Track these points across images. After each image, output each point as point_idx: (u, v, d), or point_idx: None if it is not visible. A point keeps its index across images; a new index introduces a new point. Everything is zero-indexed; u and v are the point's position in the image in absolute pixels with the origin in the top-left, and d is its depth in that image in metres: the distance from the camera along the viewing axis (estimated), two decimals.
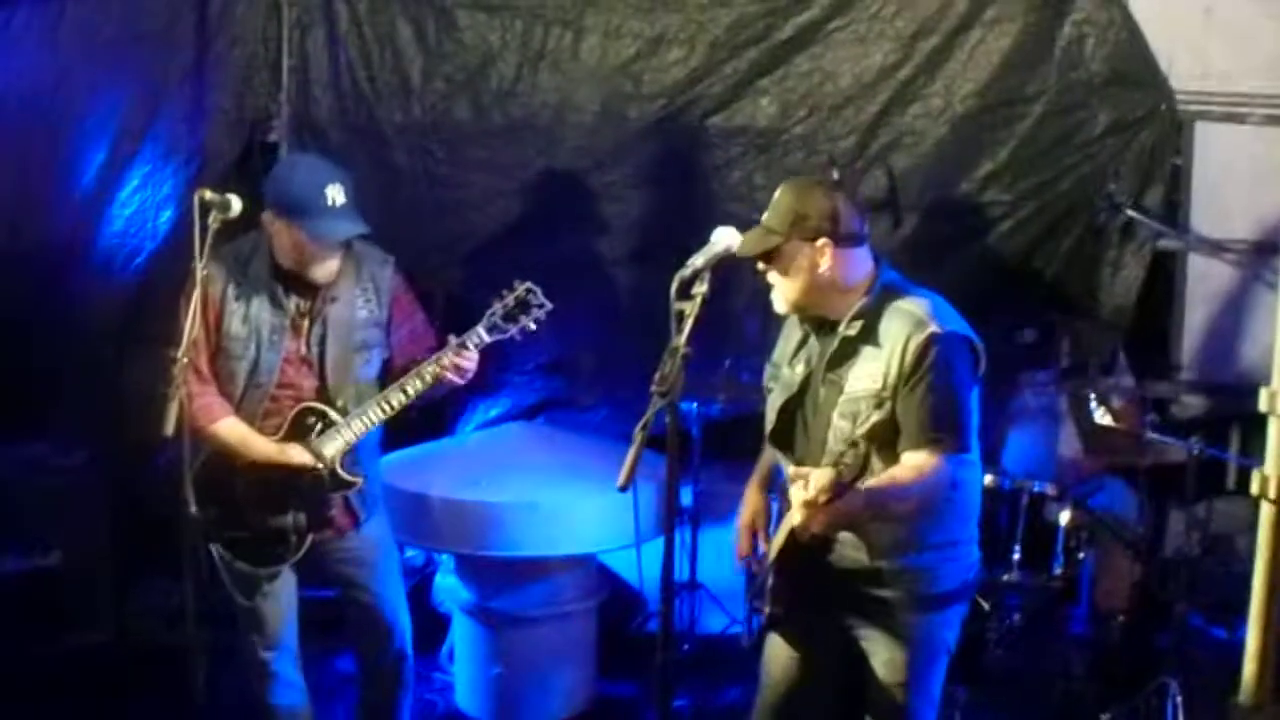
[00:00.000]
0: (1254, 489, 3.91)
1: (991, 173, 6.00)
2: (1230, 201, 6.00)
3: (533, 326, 4.53)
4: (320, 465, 4.46)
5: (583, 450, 5.85)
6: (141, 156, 6.24)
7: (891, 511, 3.77)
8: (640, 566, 4.40)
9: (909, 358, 3.74)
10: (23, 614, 5.87)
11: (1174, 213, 6.00)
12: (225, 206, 4.19)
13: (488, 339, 4.49)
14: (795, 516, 3.59)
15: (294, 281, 4.50)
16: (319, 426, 4.50)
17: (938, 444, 3.75)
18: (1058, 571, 5.34)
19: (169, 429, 4.00)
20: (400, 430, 5.21)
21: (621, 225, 6.21)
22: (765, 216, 3.93)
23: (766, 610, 4.06)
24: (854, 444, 3.49)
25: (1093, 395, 5.45)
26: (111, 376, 6.24)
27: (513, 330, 4.51)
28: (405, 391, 4.49)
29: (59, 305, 6.28)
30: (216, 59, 6.19)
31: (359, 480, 4.56)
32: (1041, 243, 6.00)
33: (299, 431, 4.51)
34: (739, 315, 5.83)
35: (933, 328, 3.76)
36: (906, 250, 5.91)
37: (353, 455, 4.56)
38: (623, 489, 3.61)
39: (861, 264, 3.91)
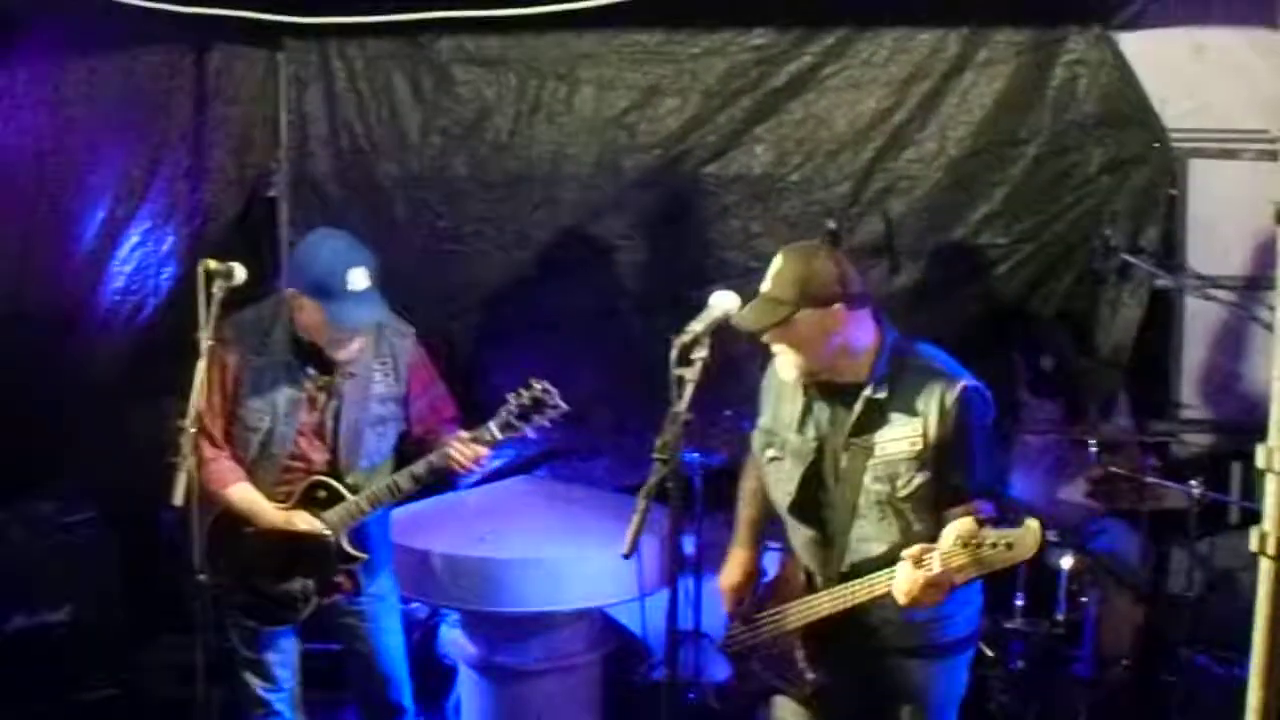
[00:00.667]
0: (1253, 545, 3.90)
1: (987, 216, 6.02)
2: (1226, 238, 5.98)
3: (546, 425, 4.52)
4: (328, 534, 4.48)
5: (585, 504, 5.85)
6: (142, 214, 6.33)
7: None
8: (644, 620, 4.40)
9: (948, 415, 3.72)
10: (32, 670, 5.89)
11: (1171, 248, 6.01)
12: (229, 275, 4.23)
13: (500, 436, 4.50)
14: (909, 594, 3.56)
15: (314, 354, 4.51)
16: (329, 500, 4.53)
17: (989, 498, 3.75)
18: (1061, 617, 5.34)
19: (177, 499, 4.02)
20: None
21: (619, 275, 6.24)
22: (768, 286, 3.85)
23: (808, 677, 3.97)
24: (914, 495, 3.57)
25: (1093, 441, 5.45)
26: (117, 432, 6.27)
27: (526, 429, 4.51)
28: (415, 476, 4.52)
29: (63, 362, 6.35)
30: (215, 117, 6.28)
31: (364, 556, 4.59)
32: (1039, 284, 6.01)
33: (309, 502, 4.54)
34: (739, 364, 5.82)
35: (963, 381, 3.76)
36: (905, 296, 5.95)
37: (361, 529, 4.59)
38: (627, 556, 3.61)
39: (869, 325, 3.89)
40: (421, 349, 4.74)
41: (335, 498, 4.53)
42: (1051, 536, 5.30)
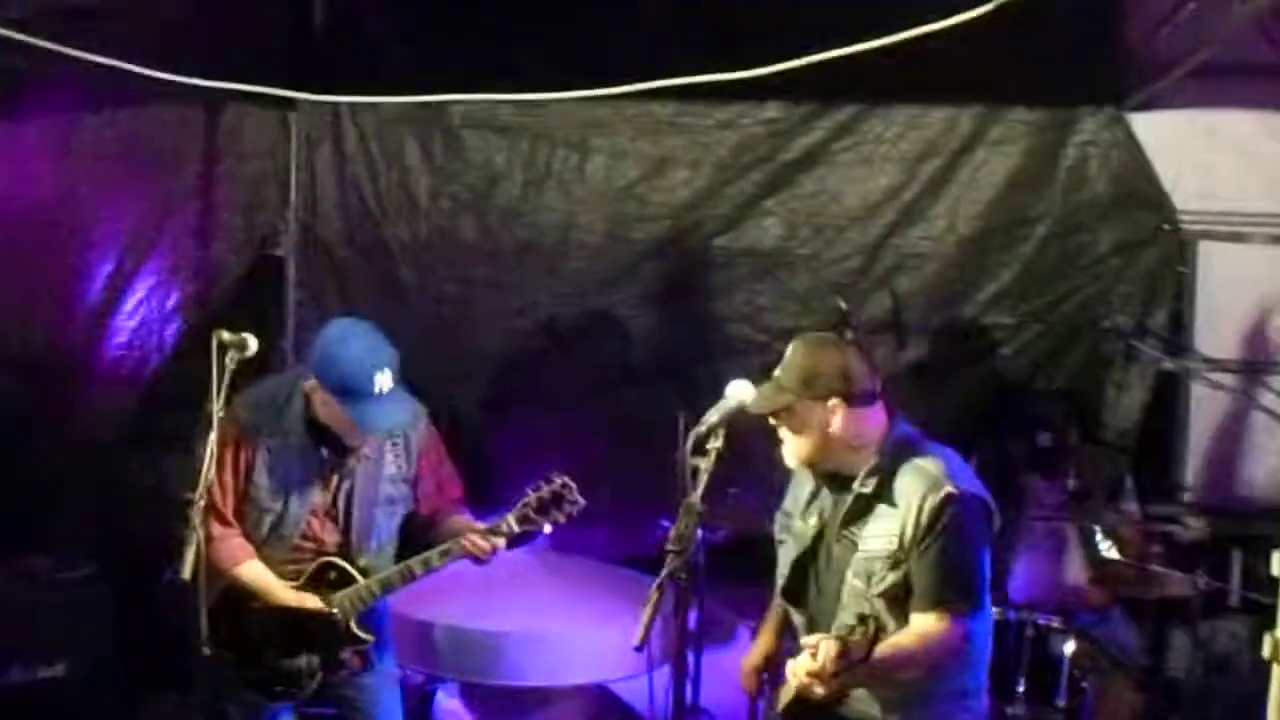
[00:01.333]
0: (1265, 652, 3.91)
1: (996, 295, 6.05)
2: (1233, 322, 5.99)
3: (563, 521, 4.44)
4: (336, 615, 4.45)
5: (587, 577, 5.84)
6: (148, 270, 6.31)
7: (898, 678, 3.75)
8: (651, 697, 4.37)
9: (924, 518, 3.70)
10: None
11: (1179, 331, 6.01)
12: (243, 346, 4.15)
13: (517, 529, 4.44)
14: (798, 683, 3.56)
15: (329, 437, 4.45)
16: (339, 581, 4.51)
17: (947, 606, 3.70)
18: (1061, 704, 5.31)
19: (186, 573, 3.98)
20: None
21: (626, 345, 6.25)
22: (778, 373, 3.87)
23: None
24: (863, 619, 3.47)
25: (1099, 528, 5.43)
26: (116, 488, 6.25)
27: (544, 523, 4.44)
28: (428, 564, 4.48)
29: (63, 416, 6.32)
30: (225, 175, 6.28)
31: (371, 638, 4.55)
32: (1045, 364, 6.02)
33: (319, 583, 4.49)
34: (745, 442, 5.81)
35: (948, 488, 3.72)
36: (911, 373, 5.95)
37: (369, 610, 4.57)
38: (639, 648, 3.58)
39: (874, 421, 3.87)
40: (433, 430, 4.70)
41: (345, 579, 4.49)
42: (1055, 623, 5.29)
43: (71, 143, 6.24)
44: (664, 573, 3.66)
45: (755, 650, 4.31)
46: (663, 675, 3.94)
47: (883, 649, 3.61)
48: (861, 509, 3.82)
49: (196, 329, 6.20)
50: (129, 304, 6.34)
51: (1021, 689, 5.28)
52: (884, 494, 3.79)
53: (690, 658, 5.51)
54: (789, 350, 3.90)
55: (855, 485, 3.82)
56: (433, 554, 4.46)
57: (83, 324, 6.36)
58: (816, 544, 3.94)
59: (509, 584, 5.70)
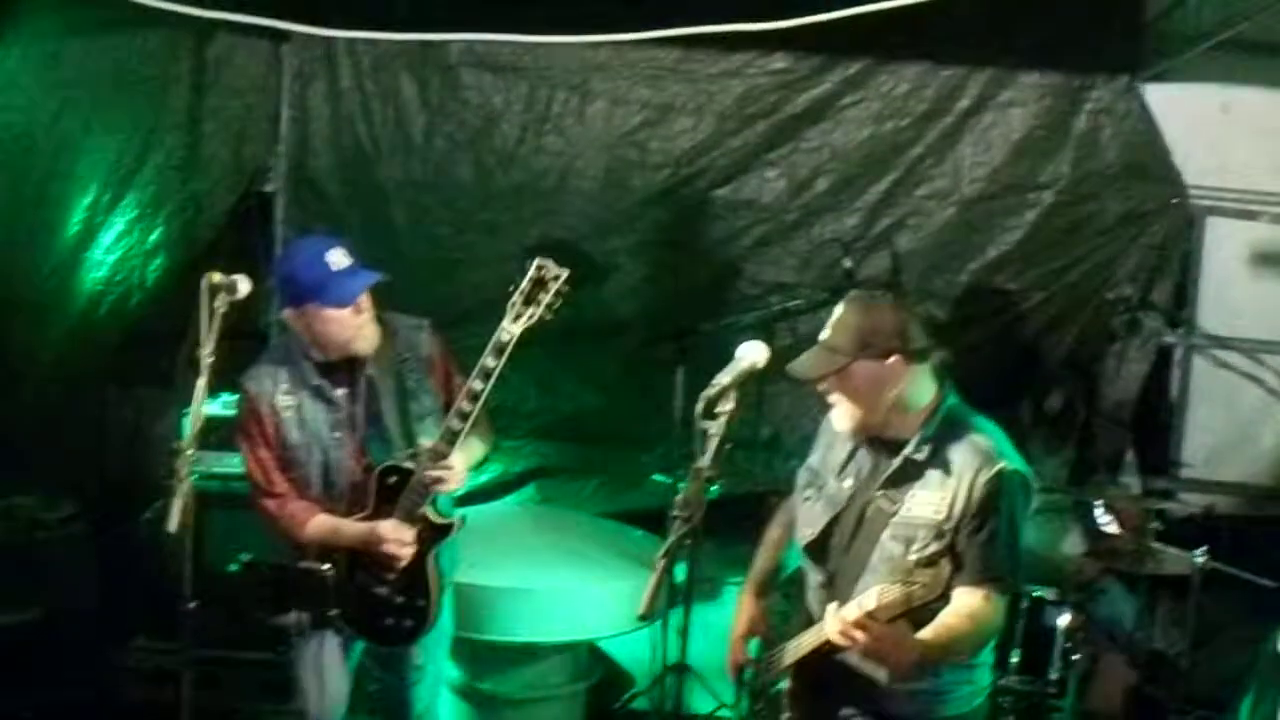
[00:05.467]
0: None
1: (999, 259, 5.96)
2: (1238, 298, 5.97)
3: (558, 303, 4.21)
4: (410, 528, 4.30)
5: (577, 531, 5.76)
6: (128, 202, 6.10)
7: (944, 661, 3.64)
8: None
9: (977, 493, 3.58)
10: (3, 668, 5.72)
11: (1182, 305, 5.95)
12: (233, 289, 4.03)
13: (517, 330, 4.22)
14: (843, 630, 3.42)
15: (336, 373, 4.34)
16: (400, 483, 4.32)
17: (997, 585, 3.61)
18: (1054, 675, 5.26)
19: (172, 525, 3.85)
20: None
21: (621, 294, 6.13)
22: (827, 335, 3.70)
23: (782, 716, 3.91)
24: (925, 563, 3.39)
25: (1098, 503, 5.37)
26: (97, 426, 6.12)
27: (538, 312, 4.22)
28: (461, 413, 4.25)
29: (44, 352, 6.16)
30: (213, 107, 6.07)
31: (455, 520, 4.41)
32: (1047, 333, 5.93)
33: (383, 499, 4.33)
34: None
35: (1002, 464, 3.61)
36: None
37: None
38: (644, 619, 3.47)
39: (928, 383, 3.74)
40: (439, 337, 4.55)
41: (405, 476, 4.32)
42: (1050, 595, 5.24)
43: (58, 71, 6.02)
44: (671, 539, 3.52)
45: (741, 617, 4.16)
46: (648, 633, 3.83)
47: (934, 632, 3.52)
48: (909, 473, 3.68)
49: (181, 265, 6.06)
50: (109, 238, 6.14)
51: (1015, 660, 5.24)
52: (936, 462, 3.66)
53: (680, 614, 5.48)
54: (836, 312, 3.72)
55: (908, 451, 3.68)
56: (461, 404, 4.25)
57: (64, 256, 6.16)
58: (849, 506, 3.81)
59: (499, 539, 5.61)
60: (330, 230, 4.38)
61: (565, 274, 4.18)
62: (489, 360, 4.20)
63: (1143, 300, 5.84)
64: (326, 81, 6.05)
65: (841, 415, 3.75)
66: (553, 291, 4.20)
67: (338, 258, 4.20)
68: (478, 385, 4.20)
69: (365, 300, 4.26)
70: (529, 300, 4.20)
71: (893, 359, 3.63)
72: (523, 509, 6.10)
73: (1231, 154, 5.86)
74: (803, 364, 3.70)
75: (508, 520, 5.93)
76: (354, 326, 4.26)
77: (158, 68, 6.05)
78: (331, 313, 4.21)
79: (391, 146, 6.07)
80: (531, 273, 4.20)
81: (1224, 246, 5.94)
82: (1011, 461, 3.64)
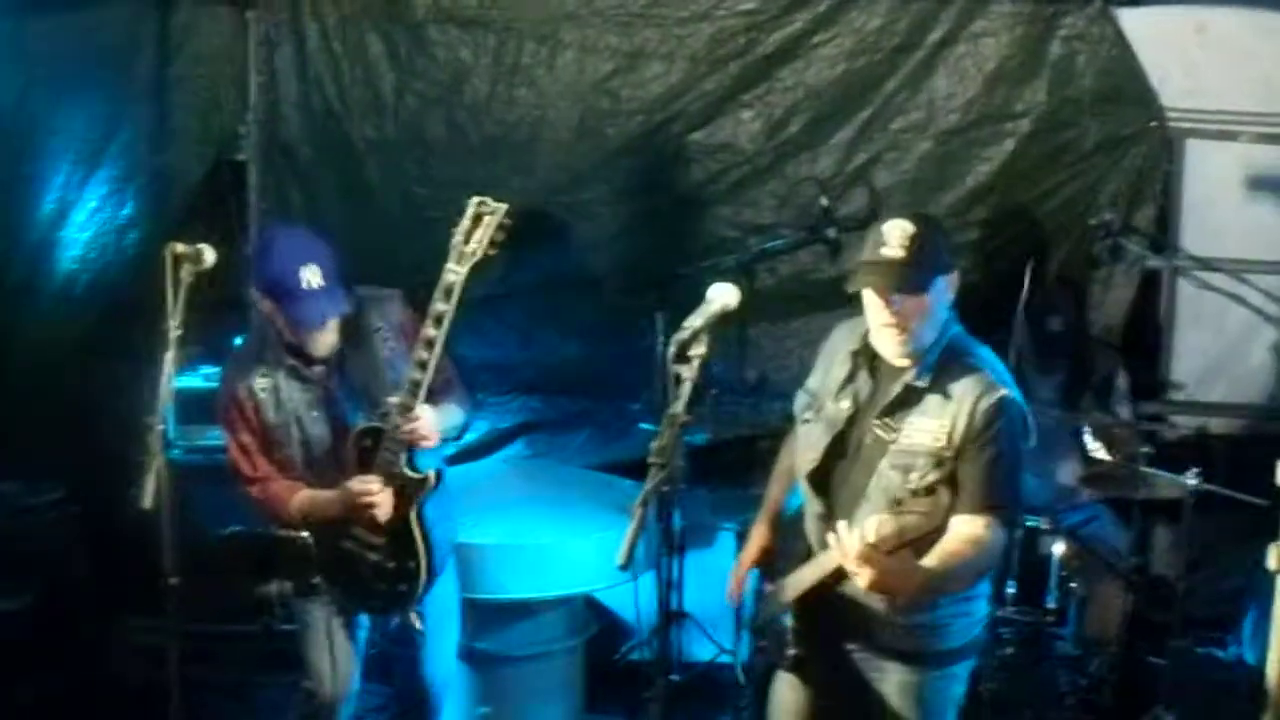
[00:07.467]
0: (1271, 563, 3.94)
1: (977, 190, 5.92)
2: (1221, 220, 5.91)
3: (501, 236, 4.15)
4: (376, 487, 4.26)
5: (566, 485, 5.74)
6: (99, 177, 6.04)
7: (948, 590, 3.62)
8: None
9: (978, 419, 3.54)
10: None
11: (1165, 229, 5.91)
12: (198, 258, 3.99)
13: (464, 271, 4.13)
14: (848, 564, 3.37)
15: (303, 351, 4.33)
16: (375, 445, 4.29)
17: (998, 513, 3.57)
18: (1051, 605, 5.25)
19: (146, 501, 3.83)
20: None
21: (599, 243, 6.11)
22: (888, 250, 3.54)
23: (788, 652, 3.89)
24: (923, 492, 3.36)
25: (1088, 429, 5.35)
26: (79, 406, 6.05)
27: (480, 249, 4.14)
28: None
29: (23, 334, 6.12)
30: (180, 77, 6.01)
31: (427, 475, 4.35)
32: (1030, 260, 5.86)
33: (364, 463, 4.31)
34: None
35: (1003, 391, 3.57)
36: None
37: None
38: (623, 568, 3.41)
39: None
40: (409, 309, 4.49)
41: (379, 437, 4.29)
42: (1043, 524, 5.22)
43: (24, 45, 5.90)
44: (647, 487, 3.46)
45: (751, 545, 4.15)
46: (645, 583, 3.79)
47: (938, 559, 3.49)
48: (909, 399, 3.64)
49: (156, 238, 5.97)
50: (81, 214, 6.09)
51: (1012, 590, 5.23)
52: (936, 388, 3.61)
53: (673, 563, 5.46)
54: (903, 228, 3.56)
55: (909, 377, 3.64)
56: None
57: (38, 234, 6.10)
58: (847, 429, 3.77)
59: (487, 496, 5.58)
60: (314, 239, 4.25)
61: (504, 208, 4.14)
62: (439, 304, 4.13)
63: (1125, 225, 5.79)
64: (293, 45, 5.99)
65: (901, 342, 3.63)
66: (494, 227, 4.15)
67: (310, 276, 4.15)
68: (431, 331, 4.13)
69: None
70: (469, 239, 4.16)
71: (953, 274, 3.63)
72: (511, 465, 6.07)
73: (1208, 76, 5.77)
74: (887, 280, 3.56)
75: (497, 477, 5.90)
76: (315, 336, 4.27)
77: (122, 40, 5.97)
78: (296, 319, 4.21)
79: (362, 107, 6.02)
80: (470, 210, 4.16)
81: (1204, 169, 5.86)
82: (1014, 390, 3.61)
